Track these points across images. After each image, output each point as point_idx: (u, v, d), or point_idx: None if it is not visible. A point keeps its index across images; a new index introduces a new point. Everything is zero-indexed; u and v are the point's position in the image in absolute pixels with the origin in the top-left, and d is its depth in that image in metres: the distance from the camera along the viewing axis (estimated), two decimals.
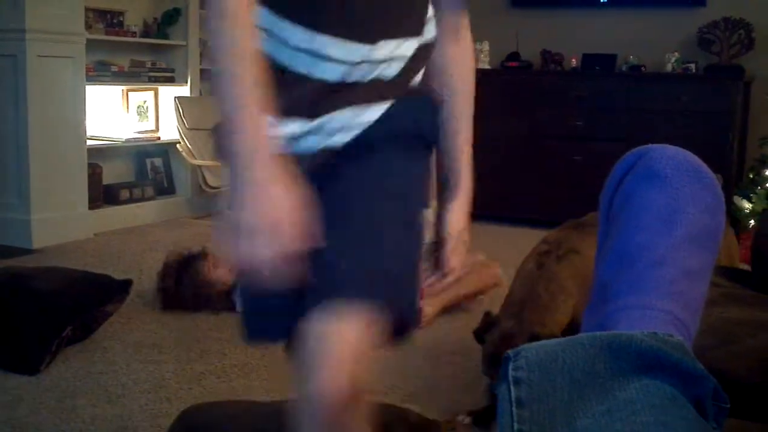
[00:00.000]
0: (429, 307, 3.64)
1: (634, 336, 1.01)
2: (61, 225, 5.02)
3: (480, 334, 2.57)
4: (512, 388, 0.98)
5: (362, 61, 1.38)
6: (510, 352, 1.01)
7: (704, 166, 1.19)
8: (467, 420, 2.50)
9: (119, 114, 5.85)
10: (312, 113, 1.38)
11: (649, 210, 1.16)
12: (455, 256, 2.00)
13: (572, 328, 2.46)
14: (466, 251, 1.90)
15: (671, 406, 0.96)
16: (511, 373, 0.99)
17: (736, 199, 5.02)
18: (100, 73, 5.56)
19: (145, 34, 5.97)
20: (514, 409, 0.97)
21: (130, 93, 5.87)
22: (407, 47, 1.43)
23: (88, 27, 5.37)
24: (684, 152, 1.20)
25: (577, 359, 1.00)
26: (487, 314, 2.65)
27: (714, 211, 1.18)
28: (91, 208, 5.30)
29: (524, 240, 2.72)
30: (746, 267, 3.35)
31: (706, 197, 1.17)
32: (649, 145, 1.22)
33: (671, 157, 1.18)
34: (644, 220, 1.16)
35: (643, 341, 1.00)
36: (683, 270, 1.14)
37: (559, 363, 0.99)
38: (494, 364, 2.43)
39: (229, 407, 2.21)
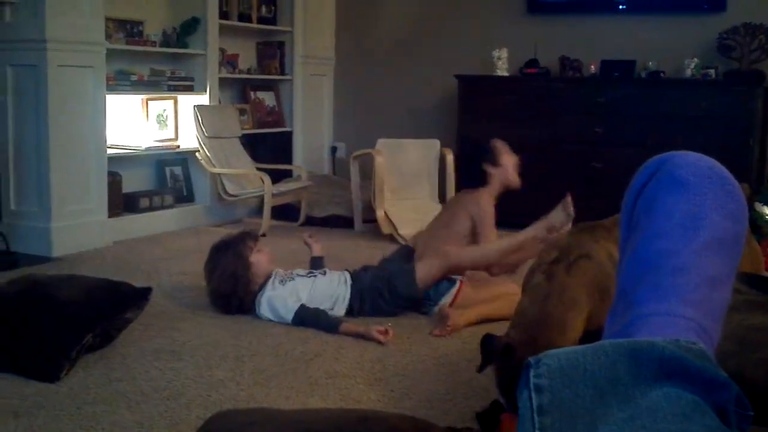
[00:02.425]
0: (459, 317, 3.63)
1: (656, 343, 1.01)
2: (81, 233, 5.05)
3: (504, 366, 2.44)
4: (533, 395, 0.98)
5: None
6: (531, 359, 1.01)
7: (727, 173, 1.19)
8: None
9: (139, 122, 5.88)
10: None
11: (672, 216, 1.15)
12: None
13: (586, 337, 2.41)
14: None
15: (694, 414, 0.95)
16: (532, 380, 0.99)
17: (757, 206, 4.98)
18: (120, 82, 5.60)
19: (165, 43, 6.00)
20: (535, 416, 0.97)
21: (149, 102, 5.90)
22: None
23: (108, 37, 5.40)
24: (707, 159, 1.19)
25: (599, 366, 0.99)
26: (490, 339, 2.50)
27: (737, 218, 1.17)
28: (110, 216, 5.33)
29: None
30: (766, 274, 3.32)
31: (728, 204, 1.16)
32: (672, 152, 1.21)
33: (694, 163, 1.18)
34: (666, 226, 1.15)
35: (666, 348, 0.99)
36: (706, 277, 1.13)
37: (580, 370, 0.99)
38: (508, 391, 2.35)
39: (252, 414, 2.21)
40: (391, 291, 3.79)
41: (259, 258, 3.83)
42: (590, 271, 2.45)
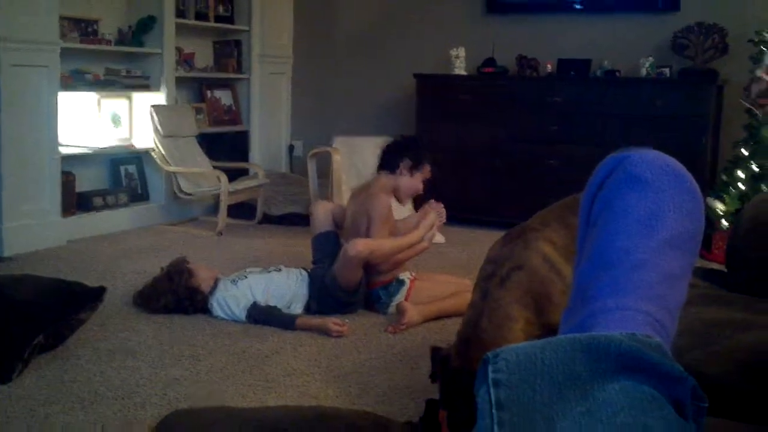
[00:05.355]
0: (413, 313, 3.64)
1: (613, 337, 1.01)
2: (34, 232, 4.98)
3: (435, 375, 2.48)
4: (492, 390, 0.97)
5: None
6: (489, 353, 1.01)
7: (685, 170, 1.19)
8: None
9: (93, 121, 5.80)
10: None
11: (630, 214, 1.16)
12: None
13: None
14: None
15: (651, 407, 0.96)
16: (490, 375, 0.98)
17: (710, 201, 5.07)
18: (76, 81, 5.52)
19: (120, 42, 5.92)
20: (494, 411, 0.96)
21: (103, 100, 5.82)
22: None
23: (63, 35, 5.32)
24: (664, 156, 1.19)
25: (557, 361, 0.99)
26: (437, 350, 2.54)
27: (694, 215, 1.18)
28: (64, 215, 5.26)
29: None
30: (718, 267, 3.36)
31: (686, 201, 1.17)
32: (630, 149, 1.21)
33: (652, 161, 1.18)
34: (625, 223, 1.16)
35: (623, 342, 1.00)
36: (663, 273, 1.14)
37: (538, 364, 0.99)
38: (447, 400, 2.36)
39: (208, 413, 2.19)
40: (330, 290, 3.82)
41: (197, 264, 3.88)
42: (524, 282, 2.43)
